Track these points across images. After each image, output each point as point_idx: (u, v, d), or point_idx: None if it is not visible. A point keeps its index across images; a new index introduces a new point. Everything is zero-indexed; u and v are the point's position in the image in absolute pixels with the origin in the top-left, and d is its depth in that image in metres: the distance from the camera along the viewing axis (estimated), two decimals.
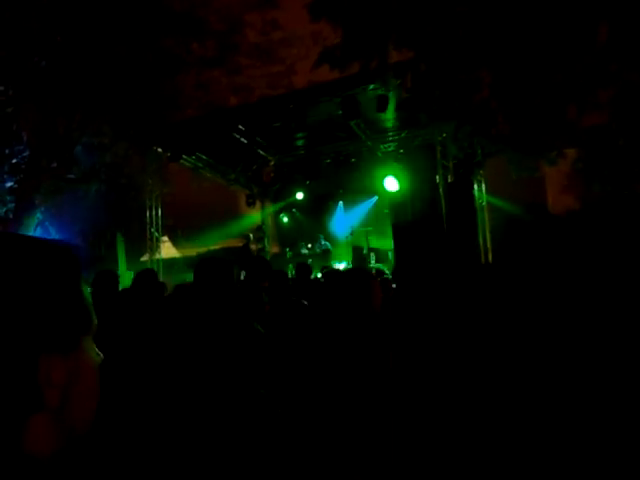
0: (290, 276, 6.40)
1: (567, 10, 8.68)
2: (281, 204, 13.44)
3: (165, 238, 13.97)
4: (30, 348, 0.51)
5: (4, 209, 11.50)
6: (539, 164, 10.32)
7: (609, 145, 9.42)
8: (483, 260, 9.43)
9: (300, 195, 12.41)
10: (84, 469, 0.61)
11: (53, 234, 12.09)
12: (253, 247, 12.39)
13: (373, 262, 10.64)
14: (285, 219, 13.87)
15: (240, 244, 11.64)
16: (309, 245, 12.08)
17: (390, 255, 10.74)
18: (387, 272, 8.71)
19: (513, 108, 9.24)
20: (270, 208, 13.64)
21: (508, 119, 9.40)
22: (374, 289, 2.26)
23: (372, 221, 12.31)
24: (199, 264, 2.11)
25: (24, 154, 11.26)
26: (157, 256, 11.07)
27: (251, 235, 11.84)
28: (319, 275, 8.80)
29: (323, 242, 11.85)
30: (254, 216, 13.69)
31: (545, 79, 8.97)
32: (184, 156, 10.50)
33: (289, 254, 12.22)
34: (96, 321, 0.62)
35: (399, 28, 6.92)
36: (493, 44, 8.27)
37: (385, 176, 11.00)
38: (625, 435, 1.95)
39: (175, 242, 16.88)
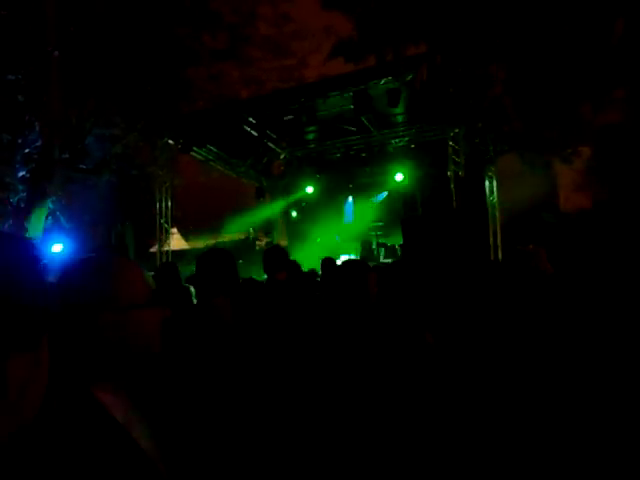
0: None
1: (582, 6, 8.58)
2: (290, 198, 13.43)
3: (174, 230, 14.03)
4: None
5: (16, 198, 11.60)
6: (551, 162, 10.24)
7: (624, 143, 9.32)
8: (492, 257, 9.39)
9: (310, 189, 12.41)
10: (29, 457, 0.64)
11: (64, 223, 12.19)
12: (261, 241, 12.43)
13: (382, 257, 10.62)
14: (294, 213, 13.86)
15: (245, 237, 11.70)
16: (318, 239, 12.10)
17: (399, 251, 10.72)
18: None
19: (526, 105, 9.17)
20: (279, 201, 13.65)
21: (521, 116, 9.33)
22: (370, 281, 2.25)
23: (382, 216, 12.28)
24: (201, 256, 2.13)
25: (36, 144, 11.32)
26: (166, 247, 11.13)
27: (251, 229, 11.83)
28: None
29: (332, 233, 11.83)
30: (263, 209, 13.70)
31: (559, 76, 8.88)
32: (194, 148, 10.52)
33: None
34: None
35: (415, 20, 6.87)
36: (508, 39, 8.19)
37: (396, 171, 10.96)
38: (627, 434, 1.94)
39: (184, 234, 16.96)
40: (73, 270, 0.95)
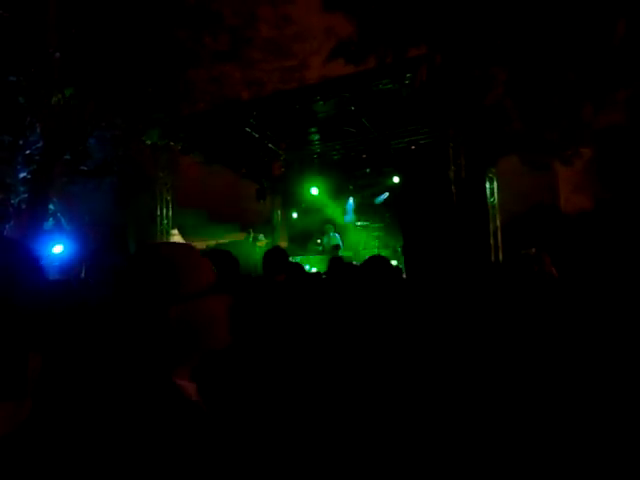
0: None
1: (584, 7, 8.58)
2: (291, 199, 13.42)
3: (175, 231, 14.01)
4: (24, 345, 0.68)
5: (17, 199, 11.61)
6: (552, 163, 10.24)
7: (625, 145, 9.31)
8: (493, 258, 9.38)
9: (310, 190, 12.41)
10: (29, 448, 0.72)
11: (64, 224, 12.21)
12: (261, 242, 12.40)
13: None
14: (294, 214, 13.83)
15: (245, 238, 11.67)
16: (318, 240, 12.06)
17: (400, 251, 10.70)
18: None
19: (527, 106, 9.16)
20: (280, 202, 13.64)
21: (522, 117, 9.32)
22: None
23: (382, 218, 12.27)
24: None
25: (37, 145, 11.34)
26: None
27: (251, 230, 11.80)
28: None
29: (332, 234, 11.77)
30: (263, 210, 13.69)
31: (560, 77, 8.88)
32: (195, 149, 10.54)
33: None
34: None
35: (415, 22, 6.88)
36: (509, 40, 8.19)
37: (396, 172, 10.95)
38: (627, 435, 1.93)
39: (185, 235, 16.93)
40: (138, 262, 0.96)
